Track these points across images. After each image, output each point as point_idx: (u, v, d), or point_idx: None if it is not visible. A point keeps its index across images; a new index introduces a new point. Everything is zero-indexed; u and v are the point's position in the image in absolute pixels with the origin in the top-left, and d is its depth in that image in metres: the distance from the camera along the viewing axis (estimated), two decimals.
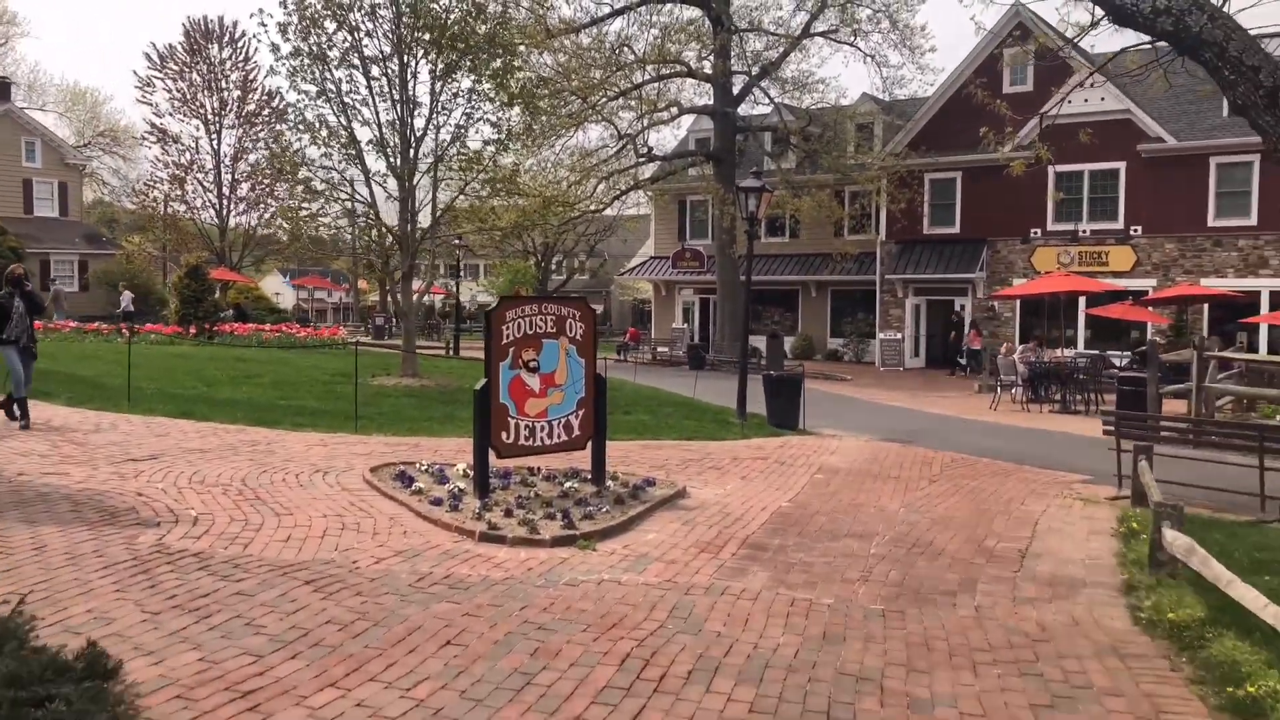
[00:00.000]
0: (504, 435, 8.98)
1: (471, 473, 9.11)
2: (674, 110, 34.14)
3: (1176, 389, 16.55)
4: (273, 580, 6.29)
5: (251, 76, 48.78)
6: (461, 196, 20.12)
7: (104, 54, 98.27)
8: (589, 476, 9.83)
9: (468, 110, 18.72)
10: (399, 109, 18.51)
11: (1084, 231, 31.43)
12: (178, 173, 47.29)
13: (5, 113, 46.09)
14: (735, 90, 33.76)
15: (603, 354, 37.83)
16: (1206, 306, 29.08)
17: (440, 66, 18.48)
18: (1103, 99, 30.97)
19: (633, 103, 33.40)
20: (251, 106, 48.51)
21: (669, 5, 32.99)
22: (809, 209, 30.56)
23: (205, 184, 48.55)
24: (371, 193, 18.87)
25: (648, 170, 36.70)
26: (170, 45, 49.62)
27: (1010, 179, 32.45)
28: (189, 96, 48.01)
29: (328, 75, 18.19)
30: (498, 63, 18.96)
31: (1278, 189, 28.64)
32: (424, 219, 20.02)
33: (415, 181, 19.09)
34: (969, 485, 11.38)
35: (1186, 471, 10.64)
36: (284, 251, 44.41)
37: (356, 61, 18.28)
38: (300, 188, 18.76)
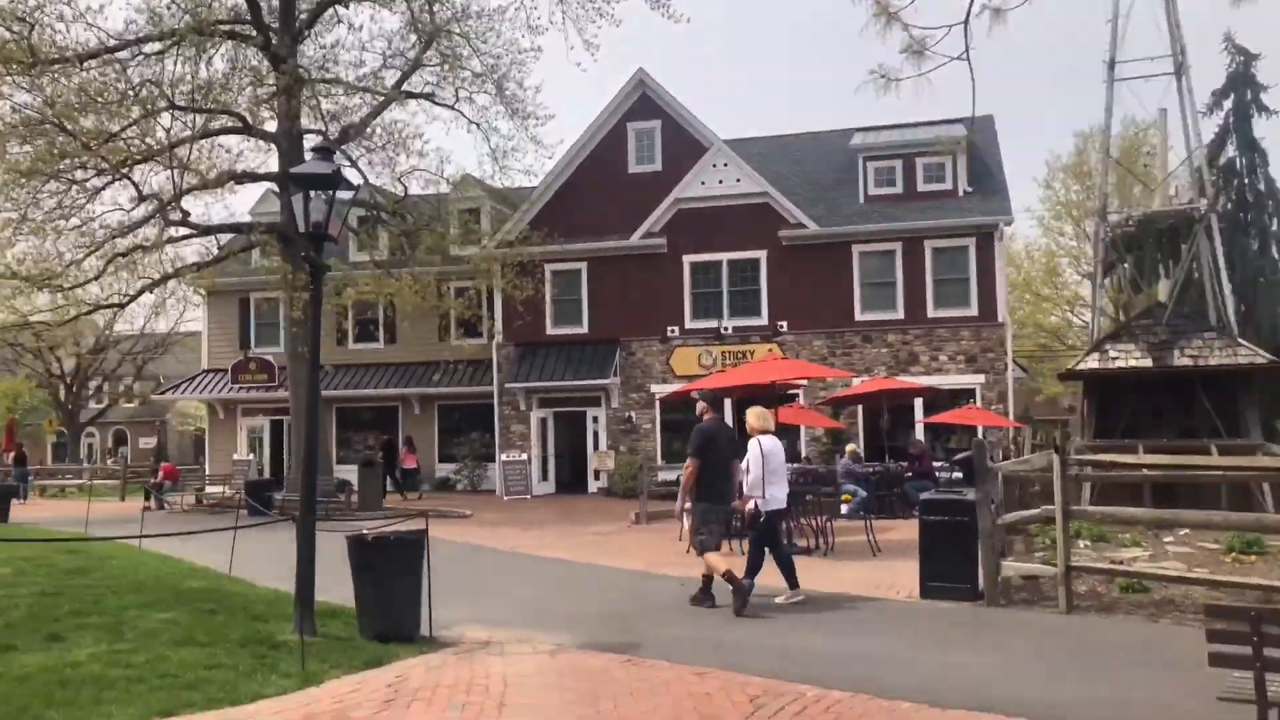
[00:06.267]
0: None
1: None
2: (224, 175, 25.63)
3: (1026, 516, 10.77)
4: None
5: None
6: None
7: None
8: None
9: None
10: None
11: (727, 329, 27.40)
12: None
13: None
14: (308, 155, 26.17)
15: (134, 496, 27.51)
16: (860, 408, 25.97)
17: None
18: (738, 180, 27.49)
19: (165, 163, 24.54)
20: None
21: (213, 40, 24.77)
22: (408, 295, 23.54)
23: None
24: None
25: (190, 253, 27.57)
26: None
27: (642, 272, 28.09)
28: None
29: None
30: None
31: (919, 281, 26.46)
32: None
33: None
34: None
35: None
36: None
37: None
38: None
